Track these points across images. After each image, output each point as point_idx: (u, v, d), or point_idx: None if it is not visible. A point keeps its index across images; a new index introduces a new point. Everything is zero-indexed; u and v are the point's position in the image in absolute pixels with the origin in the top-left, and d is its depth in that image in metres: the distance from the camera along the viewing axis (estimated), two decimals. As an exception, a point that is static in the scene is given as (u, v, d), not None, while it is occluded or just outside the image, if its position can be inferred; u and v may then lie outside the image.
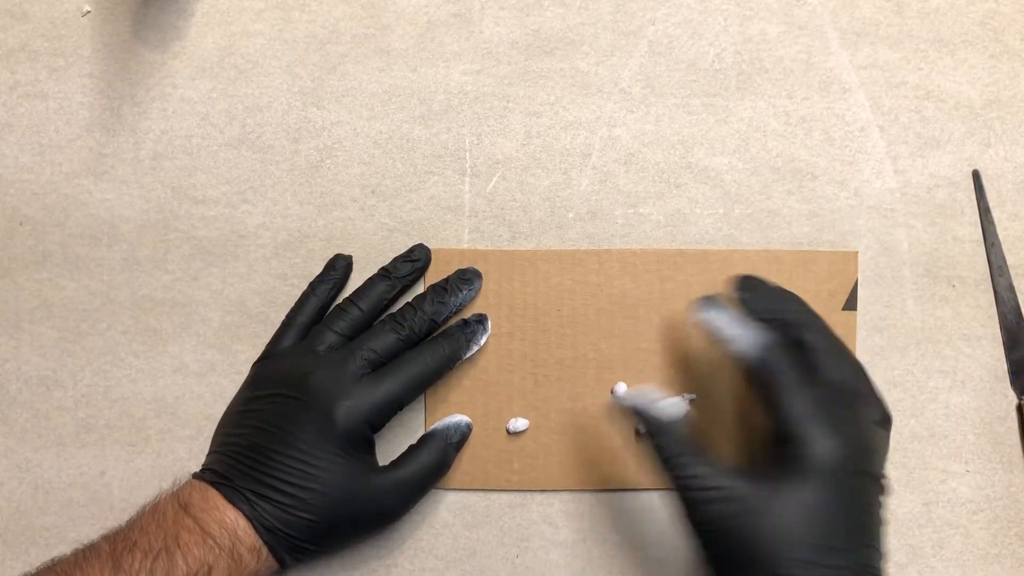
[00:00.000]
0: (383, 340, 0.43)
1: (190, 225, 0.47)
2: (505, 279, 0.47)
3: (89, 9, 0.47)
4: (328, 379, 0.42)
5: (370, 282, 0.46)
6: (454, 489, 0.47)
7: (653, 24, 0.47)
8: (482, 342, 0.45)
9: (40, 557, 0.47)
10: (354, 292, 0.46)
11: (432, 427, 0.45)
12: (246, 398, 0.44)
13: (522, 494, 0.47)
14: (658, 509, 0.47)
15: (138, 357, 0.47)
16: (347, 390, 0.41)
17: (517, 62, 0.47)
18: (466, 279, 0.46)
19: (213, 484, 0.41)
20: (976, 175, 0.46)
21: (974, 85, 0.47)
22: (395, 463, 0.44)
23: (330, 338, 0.44)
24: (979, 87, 0.47)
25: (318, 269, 0.47)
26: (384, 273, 0.46)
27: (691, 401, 0.47)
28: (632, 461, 0.47)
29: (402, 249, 0.47)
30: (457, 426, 0.45)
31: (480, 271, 0.46)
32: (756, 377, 0.39)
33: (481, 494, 0.47)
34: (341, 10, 0.47)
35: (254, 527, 0.39)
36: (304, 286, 0.47)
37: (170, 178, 0.47)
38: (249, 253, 0.47)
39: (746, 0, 0.47)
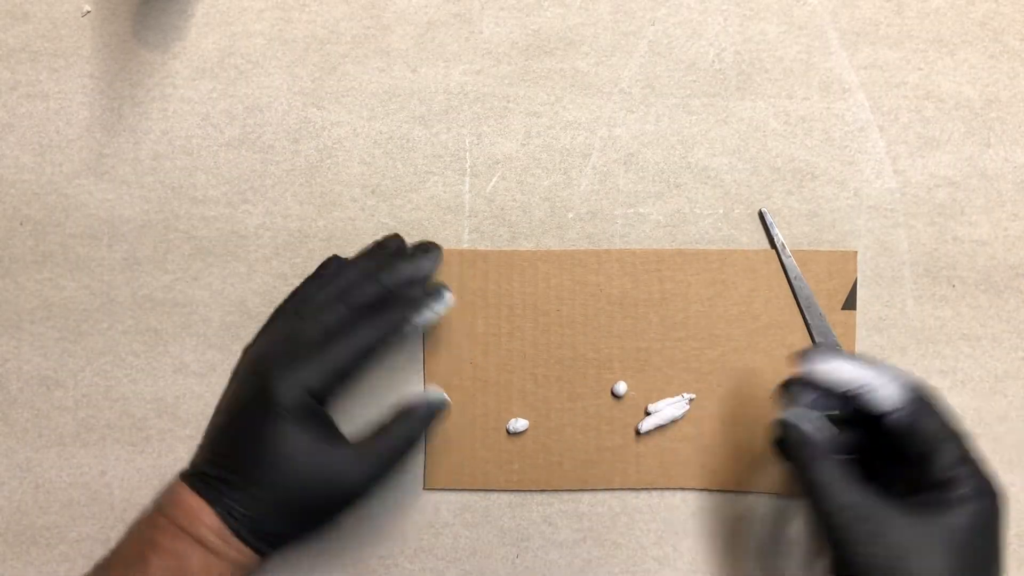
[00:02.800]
0: (332, 311, 0.43)
1: (190, 225, 0.47)
2: (505, 279, 0.47)
3: (89, 9, 0.48)
4: (271, 353, 0.42)
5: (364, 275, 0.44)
6: (454, 489, 0.47)
7: (653, 24, 0.47)
8: (438, 312, 0.43)
9: (40, 557, 0.47)
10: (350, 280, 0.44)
11: (406, 401, 0.44)
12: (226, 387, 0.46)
13: (522, 494, 0.47)
14: (658, 509, 0.47)
15: (138, 357, 0.47)
16: (288, 363, 0.41)
17: (517, 62, 0.47)
18: (424, 249, 0.45)
19: (183, 478, 0.41)
20: (761, 215, 0.47)
21: (974, 85, 0.47)
22: (365, 438, 0.42)
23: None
24: (979, 87, 0.47)
25: (318, 269, 0.47)
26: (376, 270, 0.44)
27: (691, 401, 0.47)
28: (632, 461, 0.47)
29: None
30: (428, 401, 0.43)
31: (440, 245, 0.45)
32: (900, 426, 0.38)
33: (481, 494, 0.47)
34: (341, 10, 0.47)
35: (216, 512, 0.39)
36: (304, 286, 0.47)
37: (170, 178, 0.47)
38: (249, 253, 0.47)
39: (746, 0, 0.47)
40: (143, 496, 0.47)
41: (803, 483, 0.39)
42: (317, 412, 0.41)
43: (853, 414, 0.40)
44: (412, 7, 0.47)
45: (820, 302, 0.47)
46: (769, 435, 0.42)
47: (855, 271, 0.47)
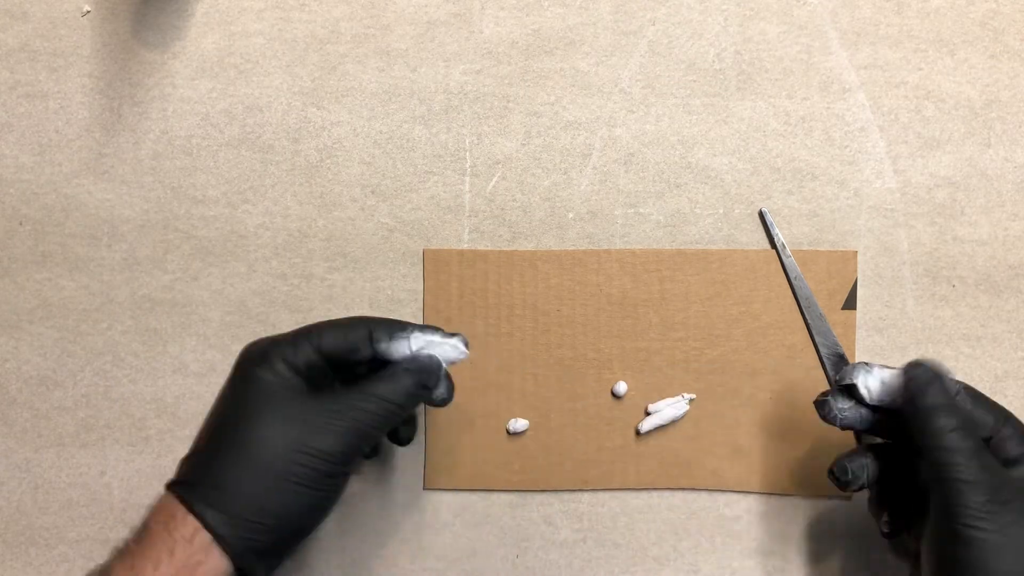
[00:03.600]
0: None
1: (190, 225, 0.47)
2: (505, 279, 0.47)
3: (89, 9, 0.47)
4: (258, 342, 0.40)
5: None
6: (454, 489, 0.47)
7: (653, 24, 0.47)
8: (438, 338, 0.40)
9: (40, 557, 0.47)
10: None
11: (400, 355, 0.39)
12: None
13: (522, 494, 0.47)
14: (658, 509, 0.47)
15: (138, 357, 0.47)
16: (263, 341, 0.39)
17: (517, 62, 0.47)
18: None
19: (167, 487, 0.38)
20: (762, 215, 0.47)
21: (974, 85, 0.47)
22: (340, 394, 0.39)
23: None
24: (979, 87, 0.47)
25: (318, 269, 0.47)
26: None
27: (691, 401, 0.47)
28: (632, 461, 0.47)
29: (402, 249, 0.47)
30: (416, 357, 0.39)
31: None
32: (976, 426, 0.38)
33: (481, 494, 0.47)
34: (341, 10, 0.47)
35: (192, 512, 0.36)
36: (304, 286, 0.47)
37: (170, 178, 0.47)
38: (249, 253, 0.47)
39: (746, 0, 0.47)
40: (143, 496, 0.47)
41: (931, 417, 0.37)
42: (293, 380, 0.38)
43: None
44: (412, 7, 0.47)
45: (820, 302, 0.47)
46: (833, 471, 0.41)
47: (855, 271, 0.47)
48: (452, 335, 0.40)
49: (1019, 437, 0.38)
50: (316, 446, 0.37)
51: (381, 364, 0.39)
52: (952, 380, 0.38)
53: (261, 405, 0.37)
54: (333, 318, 0.41)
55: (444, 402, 0.41)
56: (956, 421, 0.37)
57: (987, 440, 0.38)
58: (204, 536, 0.35)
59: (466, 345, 0.40)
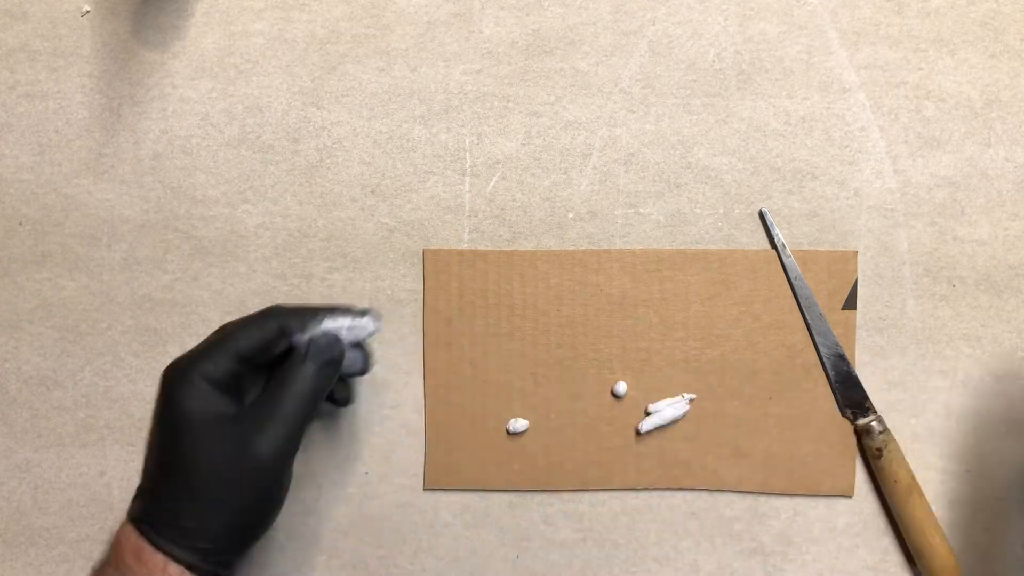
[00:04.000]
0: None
1: (190, 225, 0.47)
2: (505, 279, 0.47)
3: (88, 9, 0.47)
4: (179, 359, 0.40)
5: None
6: (454, 489, 0.47)
7: (653, 24, 0.47)
8: (353, 321, 0.41)
9: (40, 557, 0.47)
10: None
11: (298, 337, 0.40)
12: None
13: (522, 494, 0.47)
14: (658, 509, 0.47)
15: (138, 357, 0.47)
16: (187, 357, 0.39)
17: (517, 62, 0.47)
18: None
19: (129, 521, 0.39)
20: (762, 215, 0.47)
21: (974, 85, 0.47)
22: (252, 402, 0.39)
23: None
24: (979, 87, 0.47)
25: (318, 269, 0.47)
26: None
27: (691, 401, 0.47)
28: (632, 461, 0.47)
29: (402, 249, 0.47)
30: (312, 340, 0.40)
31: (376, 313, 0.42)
32: None
33: (481, 494, 0.47)
34: (341, 10, 0.47)
35: (147, 540, 0.37)
36: (304, 286, 0.47)
37: (170, 178, 0.47)
38: (249, 253, 0.47)
39: (746, 0, 0.47)
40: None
41: None
42: (217, 401, 0.38)
43: None
44: (412, 7, 0.47)
45: (820, 302, 0.47)
46: None
47: (855, 271, 0.47)
48: (363, 313, 0.42)
49: None
50: (253, 457, 0.38)
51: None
52: None
53: (193, 431, 0.38)
54: (247, 314, 0.41)
55: (354, 375, 0.43)
56: None
57: None
58: (175, 567, 0.37)
59: (377, 319, 0.42)
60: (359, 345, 0.43)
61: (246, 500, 0.38)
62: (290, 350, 0.40)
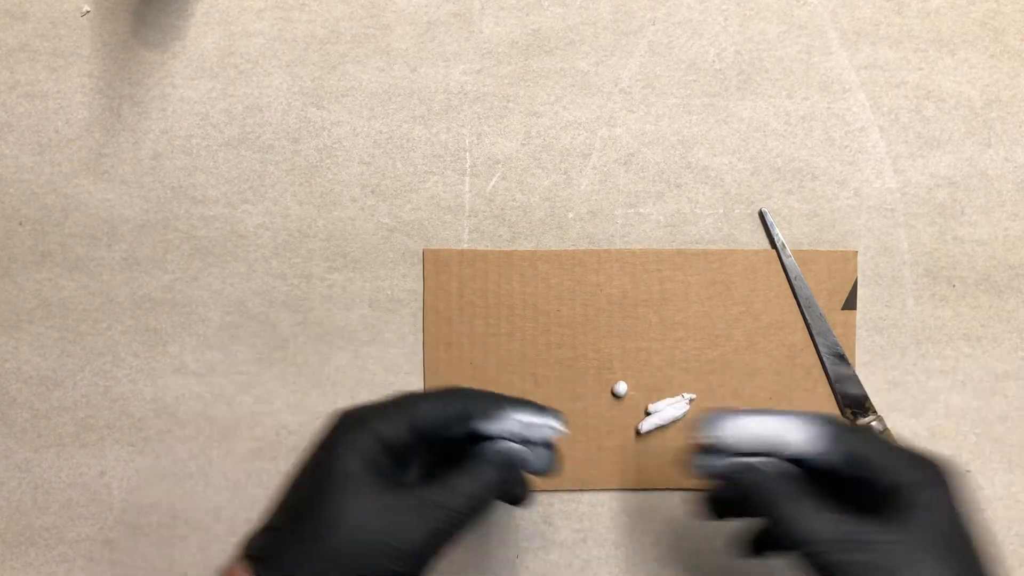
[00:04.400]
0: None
1: (190, 225, 0.47)
2: (505, 279, 0.47)
3: (89, 9, 0.47)
4: (348, 408, 0.38)
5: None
6: (454, 489, 0.47)
7: (653, 24, 0.47)
8: (540, 420, 0.39)
9: (40, 557, 0.47)
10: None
11: (488, 444, 0.38)
12: None
13: (522, 494, 0.47)
14: (658, 509, 0.47)
15: (138, 357, 0.47)
16: (359, 410, 0.37)
17: (517, 62, 0.47)
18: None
19: (245, 557, 0.36)
20: (762, 215, 0.47)
21: (974, 85, 0.47)
22: (432, 487, 0.37)
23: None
24: (979, 87, 0.47)
25: (318, 269, 0.47)
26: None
27: (691, 401, 0.47)
28: (632, 461, 0.47)
29: (402, 249, 0.47)
30: (507, 451, 0.38)
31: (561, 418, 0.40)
32: (830, 464, 0.37)
33: (481, 494, 0.47)
34: (341, 10, 0.47)
35: (248, 559, 0.35)
36: (304, 286, 0.47)
37: (170, 178, 0.47)
38: (249, 253, 0.47)
39: (746, 0, 0.47)
40: (142, 496, 0.47)
41: (777, 524, 0.35)
42: (381, 462, 0.36)
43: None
44: (412, 7, 0.47)
45: (820, 302, 0.47)
46: (702, 500, 0.39)
47: (855, 271, 0.47)
48: (547, 412, 0.39)
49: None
50: (396, 545, 0.35)
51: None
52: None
53: (346, 491, 0.35)
54: (428, 389, 0.39)
55: (537, 473, 0.39)
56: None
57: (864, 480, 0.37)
58: None
59: (563, 422, 0.39)
60: (548, 443, 0.39)
61: (376, 573, 0.35)
62: (465, 439, 0.38)
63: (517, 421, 0.38)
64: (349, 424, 0.37)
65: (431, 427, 0.37)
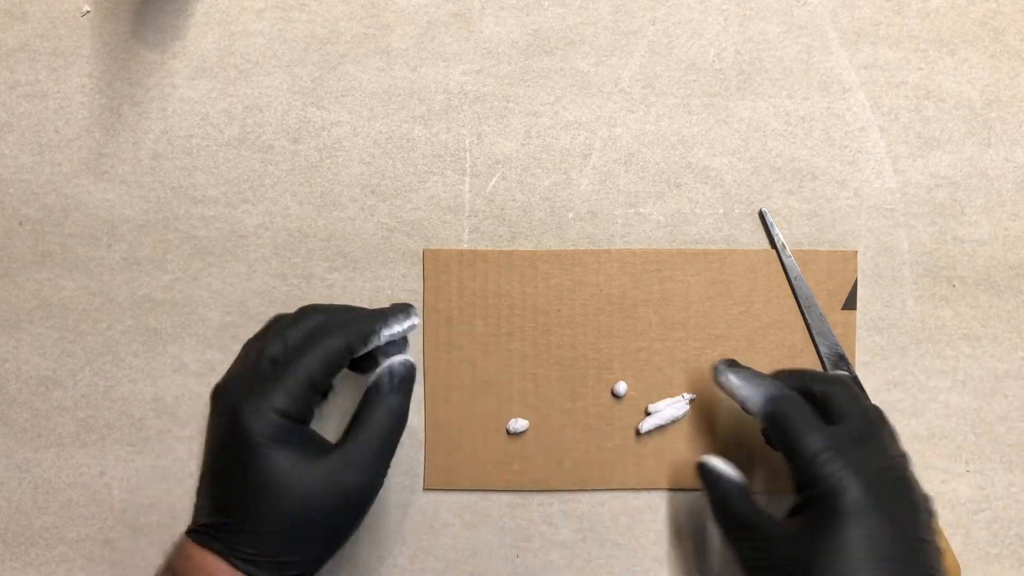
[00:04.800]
0: (296, 330, 0.41)
1: (190, 225, 0.47)
2: (505, 279, 0.47)
3: (89, 9, 0.47)
4: (232, 386, 0.40)
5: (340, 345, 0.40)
6: (454, 489, 0.47)
7: (653, 24, 0.47)
8: (404, 327, 0.42)
9: (40, 557, 0.47)
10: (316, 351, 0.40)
11: (369, 380, 0.41)
12: None
13: (522, 494, 0.47)
14: (658, 509, 0.47)
15: (138, 357, 0.47)
16: (250, 391, 0.38)
17: (517, 62, 0.47)
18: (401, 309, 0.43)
19: (188, 533, 0.39)
20: (762, 215, 0.47)
21: (974, 85, 0.47)
22: (343, 436, 0.40)
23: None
24: (979, 87, 0.47)
25: (318, 269, 0.47)
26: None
27: (691, 401, 0.47)
28: (632, 461, 0.47)
29: (402, 249, 0.47)
30: (392, 370, 0.41)
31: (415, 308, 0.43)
32: (772, 429, 0.40)
33: (481, 494, 0.47)
34: (341, 10, 0.47)
35: (227, 561, 0.37)
36: (304, 286, 0.47)
37: (170, 178, 0.47)
38: (249, 253, 0.47)
39: (746, 0, 0.47)
40: (142, 496, 0.47)
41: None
42: (293, 431, 0.38)
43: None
44: (412, 7, 0.47)
45: (820, 302, 0.47)
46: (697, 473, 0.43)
47: (855, 271, 0.47)
48: (404, 311, 0.42)
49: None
50: (349, 491, 0.38)
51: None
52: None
53: (279, 468, 0.37)
54: (310, 327, 0.41)
55: (408, 368, 0.42)
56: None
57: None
58: None
59: (416, 314, 0.43)
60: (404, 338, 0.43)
61: (340, 529, 0.39)
62: (357, 360, 0.41)
63: (388, 333, 0.41)
64: (250, 408, 0.38)
65: (320, 382, 0.39)
